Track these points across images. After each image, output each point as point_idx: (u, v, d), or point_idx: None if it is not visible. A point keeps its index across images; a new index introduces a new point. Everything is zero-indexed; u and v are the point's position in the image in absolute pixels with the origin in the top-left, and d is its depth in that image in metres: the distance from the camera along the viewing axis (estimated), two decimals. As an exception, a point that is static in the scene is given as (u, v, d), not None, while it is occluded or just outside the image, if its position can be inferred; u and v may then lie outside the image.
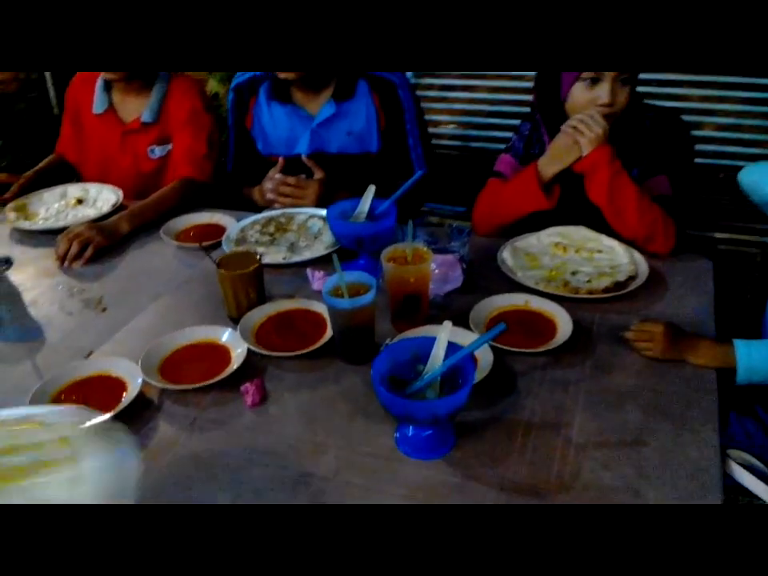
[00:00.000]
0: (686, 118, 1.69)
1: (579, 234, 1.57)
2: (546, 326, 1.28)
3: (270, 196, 1.82)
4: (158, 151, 2.04)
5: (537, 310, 1.32)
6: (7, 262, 1.67)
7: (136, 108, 2.02)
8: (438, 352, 1.01)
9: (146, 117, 2.00)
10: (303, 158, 1.83)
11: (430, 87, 3.16)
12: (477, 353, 1.18)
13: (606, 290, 1.37)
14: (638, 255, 1.49)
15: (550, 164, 1.57)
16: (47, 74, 3.94)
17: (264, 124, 1.96)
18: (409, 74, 2.99)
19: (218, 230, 1.74)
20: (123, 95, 2.05)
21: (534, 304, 1.33)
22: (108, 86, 2.04)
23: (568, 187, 1.58)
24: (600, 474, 0.98)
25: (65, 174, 2.16)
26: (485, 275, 1.48)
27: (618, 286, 1.37)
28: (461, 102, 3.17)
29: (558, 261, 1.50)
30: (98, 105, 2.04)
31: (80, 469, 0.74)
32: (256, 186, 1.91)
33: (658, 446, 1.02)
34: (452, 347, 1.01)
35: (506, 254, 1.51)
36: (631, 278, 1.40)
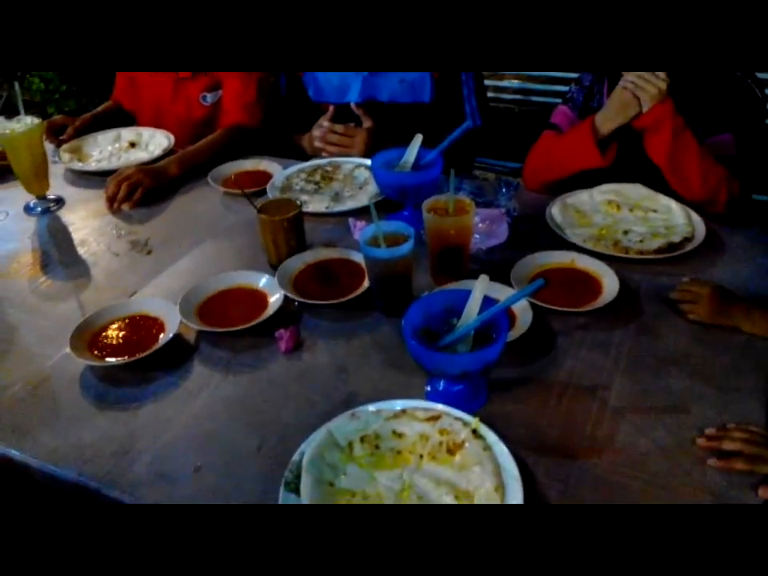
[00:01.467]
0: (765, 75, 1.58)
1: (635, 192, 1.50)
2: (591, 286, 1.23)
3: (317, 144, 1.79)
4: (209, 98, 2.03)
5: (582, 268, 1.27)
6: (59, 202, 1.71)
7: None
8: (473, 306, 0.98)
9: None
10: (352, 105, 1.79)
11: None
12: (516, 310, 1.15)
13: (659, 250, 1.30)
14: (695, 216, 1.41)
15: (608, 119, 1.49)
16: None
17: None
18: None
19: (264, 177, 1.72)
20: None
21: (580, 262, 1.28)
22: None
23: (626, 144, 1.50)
24: (635, 438, 0.95)
25: (121, 119, 2.18)
26: (531, 231, 1.43)
27: (672, 247, 1.31)
28: (525, 54, 3.05)
29: (609, 219, 1.44)
30: None
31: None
32: (306, 133, 1.88)
33: (699, 415, 0.98)
34: (487, 302, 0.98)
35: (555, 210, 1.45)
36: (687, 240, 1.33)
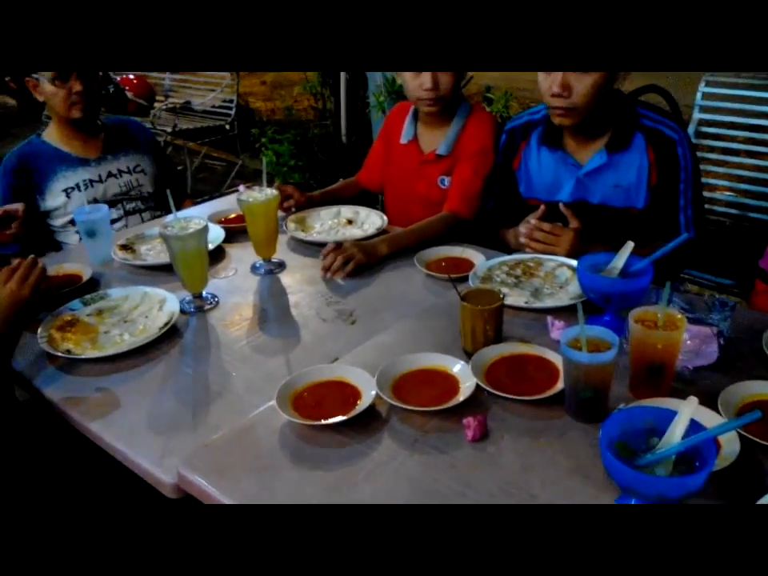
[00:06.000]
0: None
1: None
2: (813, 426, 1.12)
3: (522, 240, 1.82)
4: (446, 182, 2.15)
5: (803, 405, 1.16)
6: (281, 266, 1.89)
7: (435, 140, 2.16)
8: (677, 428, 0.93)
9: (441, 150, 2.13)
10: (561, 206, 1.81)
11: (712, 150, 2.98)
12: (721, 439, 1.08)
13: None
14: None
15: None
16: (342, 106, 4.40)
17: (530, 168, 1.98)
18: (691, 131, 2.83)
19: (466, 265, 1.79)
20: (426, 127, 2.21)
21: (801, 399, 1.17)
22: (416, 118, 2.22)
23: None
24: None
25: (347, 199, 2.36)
26: (745, 356, 1.34)
27: None
28: (744, 168, 2.93)
29: (839, 355, 1.31)
30: (406, 135, 2.23)
31: None
32: (512, 228, 1.93)
33: None
34: (694, 426, 0.93)
35: (775, 338, 1.35)
36: None
